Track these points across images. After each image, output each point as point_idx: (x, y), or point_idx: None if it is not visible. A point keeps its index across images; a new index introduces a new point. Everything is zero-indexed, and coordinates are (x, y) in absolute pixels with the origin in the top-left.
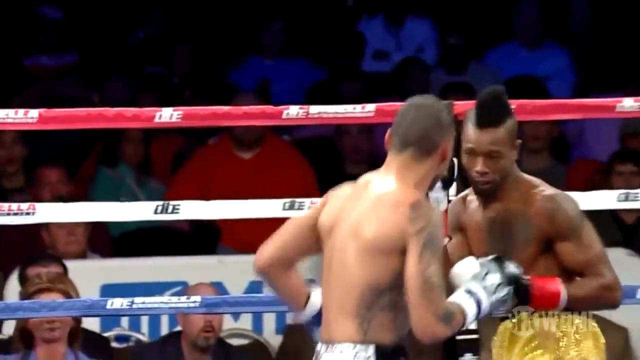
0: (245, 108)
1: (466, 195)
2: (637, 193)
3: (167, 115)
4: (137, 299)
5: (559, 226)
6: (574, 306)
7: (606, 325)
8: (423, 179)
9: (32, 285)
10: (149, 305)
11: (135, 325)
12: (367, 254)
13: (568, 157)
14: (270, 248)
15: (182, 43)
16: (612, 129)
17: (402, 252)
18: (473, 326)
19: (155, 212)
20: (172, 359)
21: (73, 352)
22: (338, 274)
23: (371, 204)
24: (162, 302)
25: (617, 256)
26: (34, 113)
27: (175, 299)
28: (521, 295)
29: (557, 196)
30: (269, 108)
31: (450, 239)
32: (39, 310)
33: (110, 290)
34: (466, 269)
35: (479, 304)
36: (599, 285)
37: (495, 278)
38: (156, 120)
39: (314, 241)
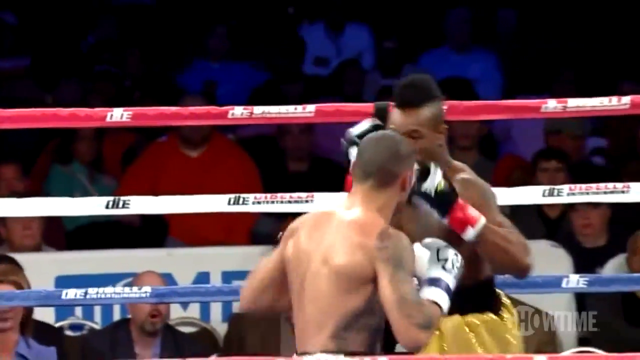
0: (192, 108)
1: None
2: (561, 189)
3: (118, 115)
4: (91, 290)
5: (474, 195)
6: (486, 241)
7: (534, 312)
8: (384, 206)
9: None
10: (102, 296)
11: (88, 314)
12: (340, 280)
13: (496, 154)
14: (248, 290)
15: (131, 47)
16: (537, 128)
17: (373, 280)
18: None
19: (107, 207)
20: (122, 344)
21: (24, 339)
22: (314, 299)
23: (340, 232)
24: (114, 293)
25: (542, 248)
26: None
27: (127, 289)
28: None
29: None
30: (215, 109)
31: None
32: None
33: (64, 282)
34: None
35: (447, 289)
36: (518, 239)
37: (447, 253)
38: (107, 119)
39: (285, 275)
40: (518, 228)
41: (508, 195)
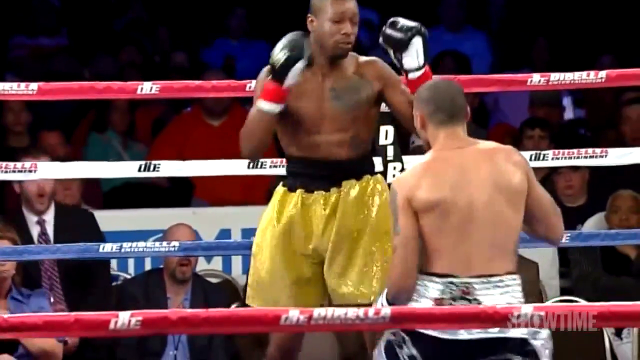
0: (214, 82)
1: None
2: (547, 154)
3: (148, 88)
4: (125, 244)
5: (384, 73)
6: None
7: (519, 260)
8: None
9: None
10: (135, 250)
11: (123, 266)
12: (518, 200)
13: (487, 124)
14: (402, 271)
15: (160, 25)
16: (523, 100)
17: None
18: None
19: (139, 170)
20: (155, 290)
21: (16, 287)
22: (487, 224)
23: (489, 161)
24: (146, 247)
25: None
26: (33, 86)
27: (157, 244)
28: None
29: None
30: (234, 82)
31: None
32: (41, 252)
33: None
34: None
35: None
36: None
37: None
38: (138, 92)
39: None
40: None
41: None
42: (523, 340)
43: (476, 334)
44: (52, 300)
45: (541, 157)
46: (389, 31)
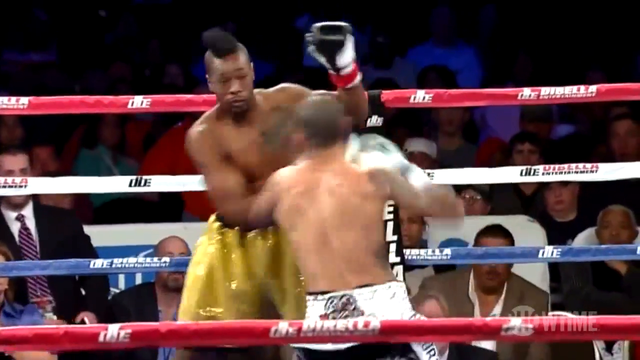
0: (205, 96)
1: (208, 129)
2: (537, 169)
3: (139, 102)
4: (116, 260)
5: (296, 93)
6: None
7: (530, 288)
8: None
9: None
10: (126, 265)
11: (114, 282)
12: (370, 221)
13: (477, 139)
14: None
15: (151, 40)
16: (514, 114)
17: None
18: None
19: (130, 185)
20: (146, 303)
21: (8, 302)
22: (349, 237)
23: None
24: (137, 262)
25: (519, 222)
26: (24, 100)
27: (149, 259)
28: None
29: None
30: None
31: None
32: (32, 269)
33: None
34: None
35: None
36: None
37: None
38: (129, 106)
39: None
40: (497, 204)
41: (489, 175)
42: (404, 344)
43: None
44: (42, 312)
45: (531, 173)
46: (324, 37)
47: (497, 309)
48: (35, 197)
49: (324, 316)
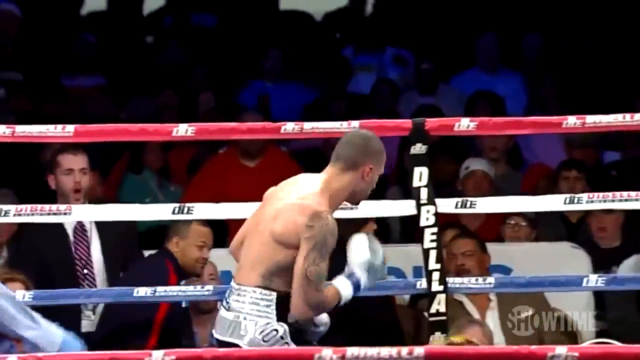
0: (249, 124)
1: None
2: (581, 197)
3: (183, 130)
4: (159, 288)
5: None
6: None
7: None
8: (341, 188)
9: None
10: (170, 294)
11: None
12: (275, 242)
13: (521, 164)
14: (236, 237)
15: (198, 66)
16: (559, 141)
17: (297, 248)
18: (442, 309)
19: (173, 213)
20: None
21: None
22: (255, 244)
23: (287, 203)
24: (180, 291)
25: (563, 248)
26: (70, 128)
27: (191, 287)
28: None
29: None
30: (269, 124)
31: None
32: (78, 297)
33: None
34: (357, 245)
35: (357, 285)
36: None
37: (377, 251)
38: (174, 134)
39: None
40: (542, 230)
41: (534, 203)
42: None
43: (220, 336)
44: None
45: (575, 201)
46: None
47: (492, 305)
48: (90, 199)
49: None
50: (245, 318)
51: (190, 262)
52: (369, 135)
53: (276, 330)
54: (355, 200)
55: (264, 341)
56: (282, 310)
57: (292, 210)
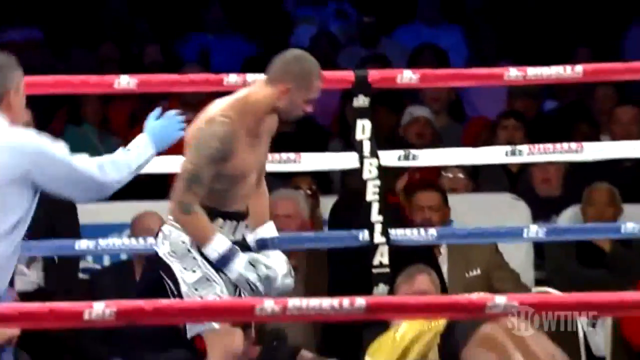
0: (191, 76)
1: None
2: (522, 149)
3: (125, 82)
4: (101, 241)
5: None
6: None
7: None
8: (257, 102)
9: None
10: (111, 246)
11: (98, 259)
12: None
13: (463, 117)
14: None
15: (139, 18)
16: (501, 94)
17: None
18: (385, 261)
19: None
20: (125, 280)
21: None
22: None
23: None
24: (122, 244)
25: (504, 199)
26: None
27: (134, 240)
28: None
29: None
30: (212, 76)
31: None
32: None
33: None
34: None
35: (227, 258)
36: None
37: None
38: (115, 86)
39: None
40: (484, 182)
41: (476, 155)
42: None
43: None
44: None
45: (516, 153)
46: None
47: (442, 259)
48: None
49: None
50: (170, 231)
51: None
52: (298, 56)
53: (183, 241)
54: (281, 117)
55: (173, 252)
56: None
57: (196, 121)
